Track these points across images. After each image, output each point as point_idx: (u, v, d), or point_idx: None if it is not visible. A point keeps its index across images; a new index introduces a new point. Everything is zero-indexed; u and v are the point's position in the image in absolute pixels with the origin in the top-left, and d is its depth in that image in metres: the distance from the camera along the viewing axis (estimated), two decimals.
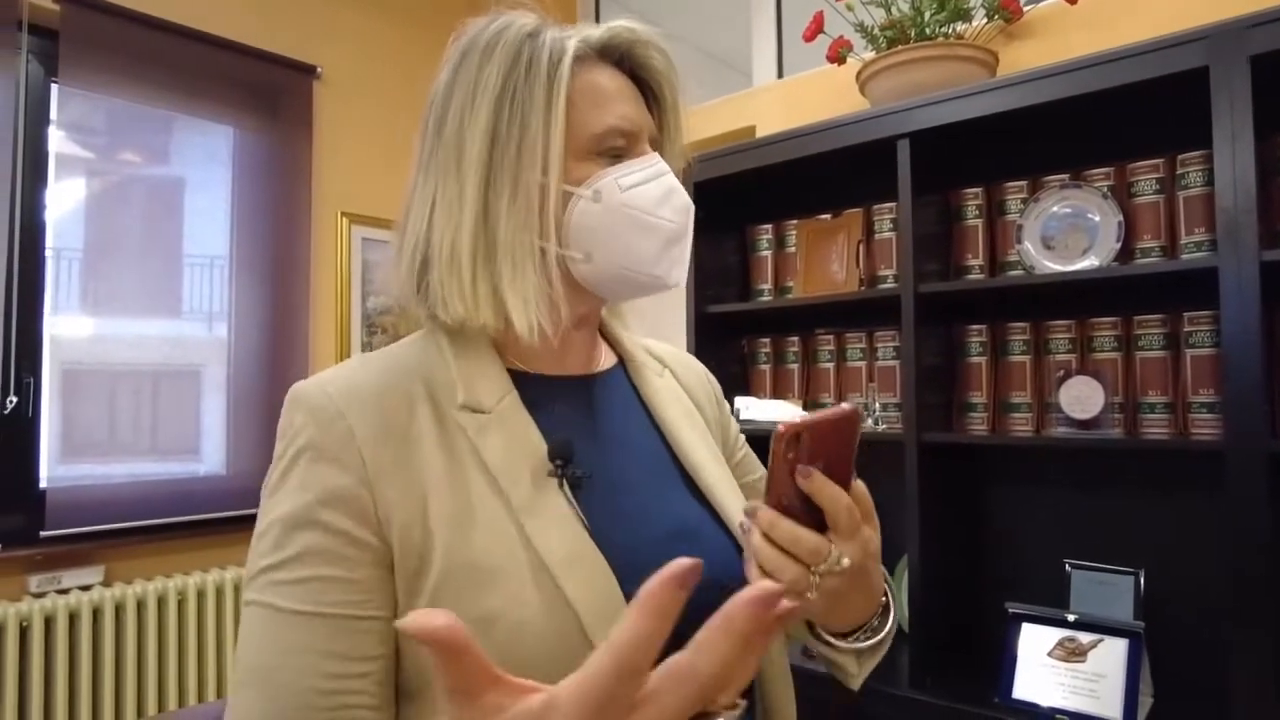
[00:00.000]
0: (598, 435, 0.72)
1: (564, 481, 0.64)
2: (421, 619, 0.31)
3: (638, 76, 0.72)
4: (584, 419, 0.72)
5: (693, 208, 0.71)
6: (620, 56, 0.71)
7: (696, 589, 0.54)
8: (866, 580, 0.62)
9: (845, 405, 0.59)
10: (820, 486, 0.57)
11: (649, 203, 0.67)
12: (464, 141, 0.66)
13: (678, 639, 0.44)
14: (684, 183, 0.73)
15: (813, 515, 0.59)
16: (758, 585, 0.38)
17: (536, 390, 0.70)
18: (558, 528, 0.62)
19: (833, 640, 0.69)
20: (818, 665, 0.75)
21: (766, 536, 0.57)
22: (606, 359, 0.79)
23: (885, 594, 0.70)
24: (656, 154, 0.70)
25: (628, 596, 0.60)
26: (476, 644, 0.33)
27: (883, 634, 0.70)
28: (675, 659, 0.35)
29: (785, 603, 0.39)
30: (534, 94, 0.65)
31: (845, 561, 0.58)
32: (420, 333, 0.72)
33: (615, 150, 0.68)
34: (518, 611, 0.58)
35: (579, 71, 0.67)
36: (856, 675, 0.72)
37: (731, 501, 0.74)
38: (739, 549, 0.71)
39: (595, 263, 0.67)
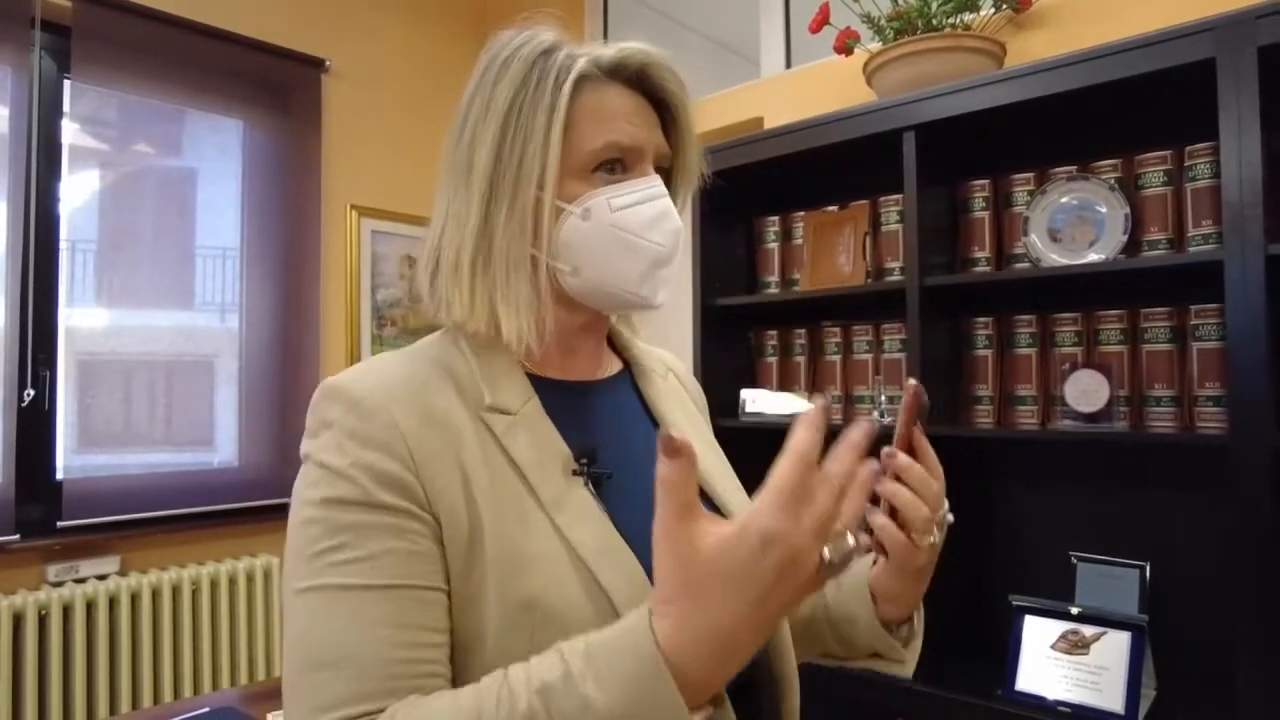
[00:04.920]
0: (609, 438, 0.74)
1: (588, 480, 0.68)
2: (678, 430, 0.48)
3: (656, 98, 0.73)
4: (595, 423, 0.75)
5: (682, 232, 0.73)
6: (634, 77, 0.72)
7: None
8: (932, 564, 0.74)
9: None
10: (927, 446, 0.71)
11: (638, 224, 0.69)
12: (474, 156, 0.69)
13: None
14: (696, 191, 0.78)
15: None
16: (867, 423, 0.53)
17: (549, 394, 0.72)
18: (586, 522, 0.65)
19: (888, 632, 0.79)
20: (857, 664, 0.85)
21: (897, 479, 0.69)
22: (612, 366, 0.82)
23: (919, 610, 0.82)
24: (656, 176, 0.71)
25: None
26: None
27: (919, 625, 0.82)
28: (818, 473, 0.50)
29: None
30: (536, 114, 0.67)
31: (950, 516, 0.72)
32: (441, 332, 0.74)
33: (613, 168, 0.70)
34: (559, 597, 0.61)
35: (585, 90, 0.69)
36: (908, 662, 0.81)
37: (733, 498, 0.78)
38: None
39: (582, 278, 0.70)
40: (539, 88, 0.68)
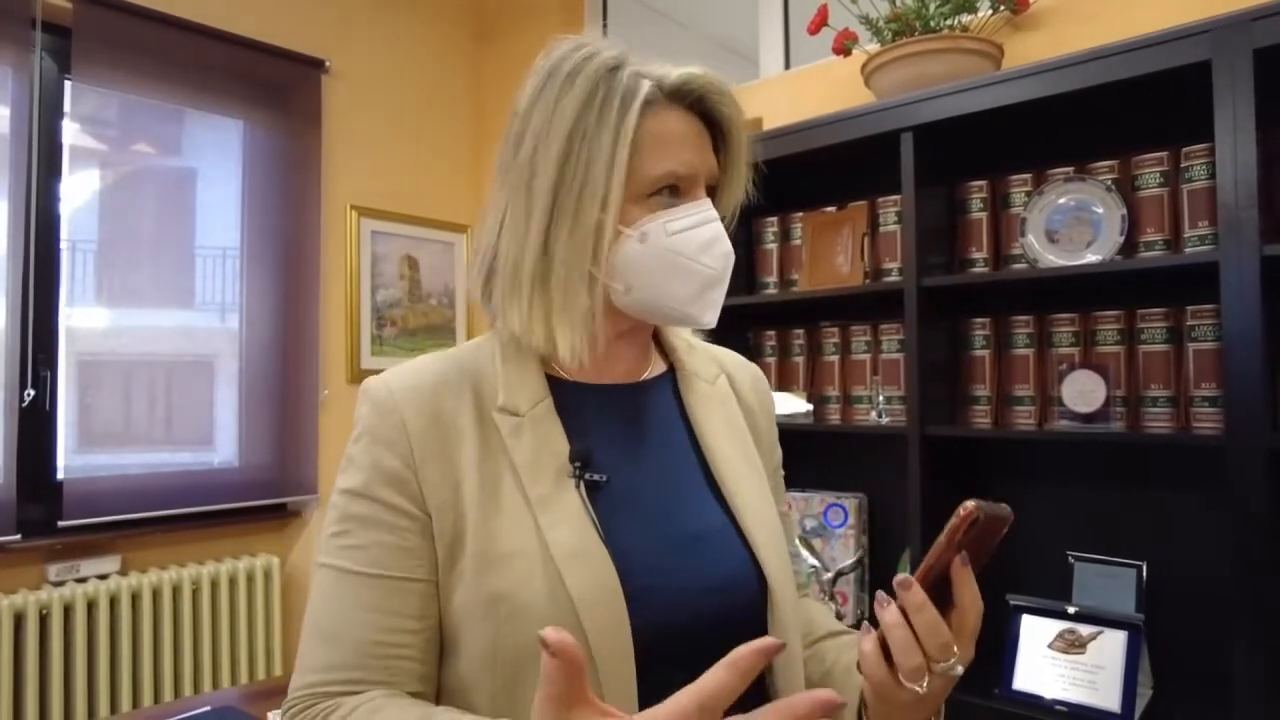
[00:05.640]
0: (628, 442, 0.76)
1: (580, 483, 0.70)
2: (558, 634, 0.45)
3: (709, 117, 0.75)
4: (616, 426, 0.76)
5: (733, 255, 0.74)
6: (693, 101, 0.73)
7: (704, 593, 0.69)
8: (941, 697, 0.64)
9: (1005, 506, 0.59)
10: (968, 580, 0.60)
11: (692, 248, 0.71)
12: (536, 167, 0.70)
13: (684, 655, 0.57)
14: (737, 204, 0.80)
15: (939, 601, 0.59)
16: (827, 692, 0.48)
17: (573, 397, 0.75)
18: (569, 524, 0.67)
19: None
20: None
21: (903, 612, 0.59)
22: (655, 368, 0.83)
23: (939, 713, 0.71)
24: (709, 200, 0.73)
25: (628, 593, 0.65)
26: (585, 668, 0.46)
27: None
28: (739, 717, 0.47)
29: None
30: (603, 136, 0.68)
31: (959, 669, 0.60)
32: (485, 335, 0.79)
33: (668, 191, 0.71)
34: (523, 594, 0.64)
35: (649, 115, 0.70)
36: None
37: (756, 513, 0.76)
38: (754, 559, 0.73)
39: (633, 296, 0.72)
40: (604, 108, 0.69)
